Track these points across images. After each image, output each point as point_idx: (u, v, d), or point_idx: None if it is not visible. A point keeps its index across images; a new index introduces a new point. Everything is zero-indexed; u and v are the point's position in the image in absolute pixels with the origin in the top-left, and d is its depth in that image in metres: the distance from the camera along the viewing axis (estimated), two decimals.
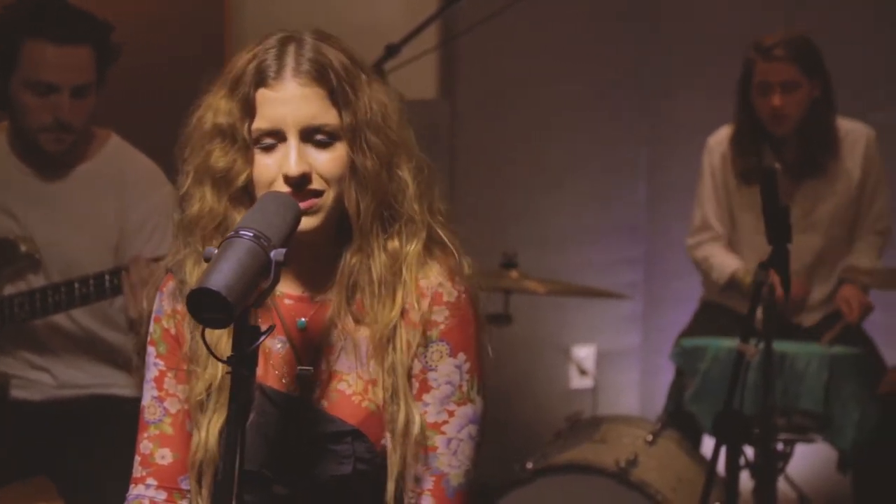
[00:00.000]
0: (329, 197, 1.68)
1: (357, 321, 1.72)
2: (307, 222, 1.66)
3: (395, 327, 1.70)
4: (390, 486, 1.69)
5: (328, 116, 1.67)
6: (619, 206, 4.47)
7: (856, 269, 3.48)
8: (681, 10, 4.45)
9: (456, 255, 1.74)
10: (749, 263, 3.58)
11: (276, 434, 1.71)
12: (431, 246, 1.74)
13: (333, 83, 1.67)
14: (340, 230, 1.72)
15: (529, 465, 2.96)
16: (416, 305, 1.70)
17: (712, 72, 4.29)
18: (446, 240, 1.74)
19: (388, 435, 1.70)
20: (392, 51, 3.19)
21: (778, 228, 2.57)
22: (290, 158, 1.66)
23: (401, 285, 1.70)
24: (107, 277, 2.60)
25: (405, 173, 1.71)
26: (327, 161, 1.67)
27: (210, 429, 1.70)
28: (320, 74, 1.67)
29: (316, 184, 1.67)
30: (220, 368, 1.70)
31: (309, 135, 1.67)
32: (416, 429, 1.69)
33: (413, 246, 1.71)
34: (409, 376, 1.71)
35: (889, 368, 2.83)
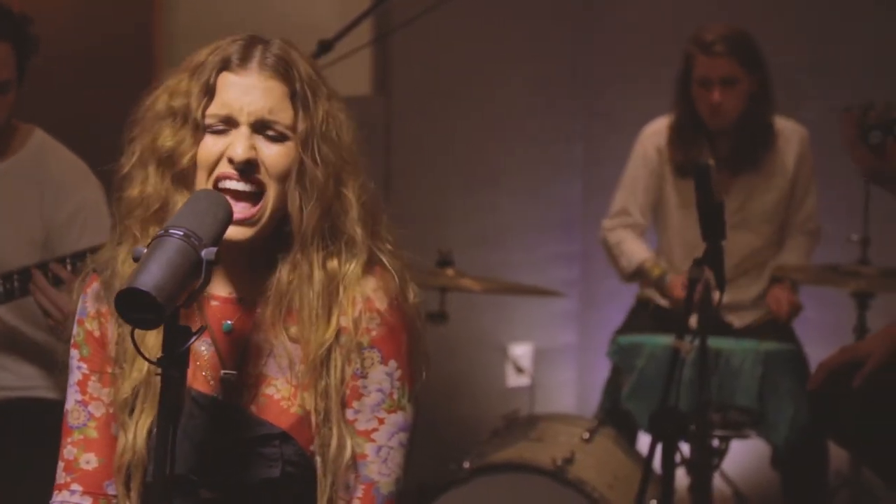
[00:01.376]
0: (269, 200, 1.67)
1: (287, 330, 1.71)
2: (242, 232, 1.66)
3: (329, 350, 1.69)
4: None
5: (284, 115, 1.68)
6: (555, 203, 4.49)
7: (787, 268, 3.54)
8: (616, 6, 4.48)
9: (396, 281, 1.73)
10: (679, 256, 3.62)
11: (202, 437, 1.70)
12: (372, 266, 1.73)
13: (296, 84, 1.68)
14: (278, 237, 1.71)
15: (466, 465, 2.97)
16: (348, 313, 1.70)
17: (648, 68, 4.33)
18: (389, 266, 1.74)
19: (318, 459, 1.69)
20: (325, 47, 3.18)
21: (712, 225, 2.59)
22: (238, 143, 1.66)
23: (337, 306, 1.70)
24: (32, 273, 2.57)
25: (350, 193, 1.71)
26: (275, 155, 1.67)
27: (137, 430, 1.69)
28: (285, 71, 1.68)
29: (262, 174, 1.66)
30: (147, 368, 1.68)
31: (261, 128, 1.67)
32: (347, 454, 1.68)
33: (352, 267, 1.71)
34: (343, 403, 1.70)
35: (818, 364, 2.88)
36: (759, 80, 3.56)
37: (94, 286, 1.75)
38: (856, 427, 2.67)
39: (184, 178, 1.70)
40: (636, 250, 3.62)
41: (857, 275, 3.16)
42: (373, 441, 1.71)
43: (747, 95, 3.55)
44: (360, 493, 1.70)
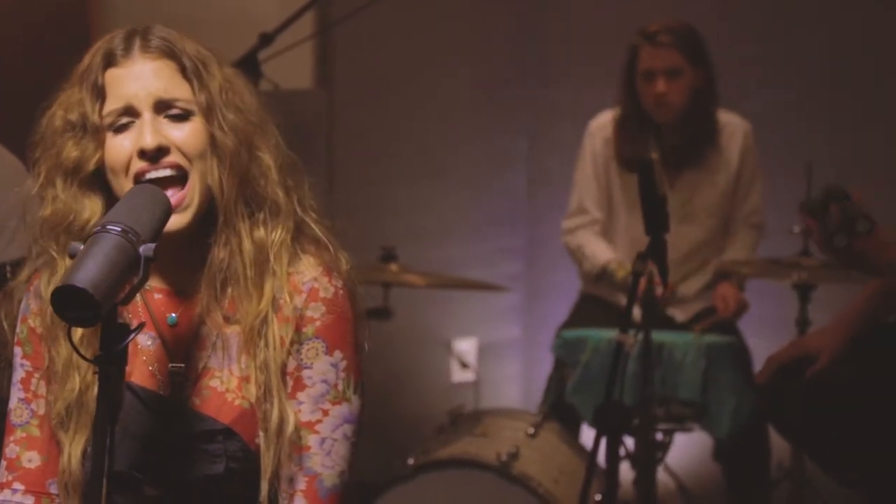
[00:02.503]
0: (194, 182, 1.67)
1: (227, 317, 1.70)
2: (177, 220, 1.65)
3: (265, 321, 1.68)
4: (264, 486, 1.68)
5: (181, 91, 1.68)
6: (499, 197, 4.50)
7: (731, 263, 3.57)
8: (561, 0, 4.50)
9: (331, 249, 1.73)
10: (624, 250, 3.65)
11: (145, 433, 1.69)
12: (302, 240, 1.73)
13: (184, 59, 1.68)
14: (207, 221, 1.70)
15: (411, 461, 2.97)
16: (289, 301, 1.69)
17: (592, 62, 4.35)
18: (320, 235, 1.74)
19: (261, 434, 1.68)
20: (266, 40, 3.16)
21: (656, 219, 2.62)
22: (144, 131, 1.65)
23: (269, 276, 1.69)
24: None
25: (266, 156, 1.71)
26: (184, 135, 1.67)
27: (72, 451, 1.68)
28: (170, 49, 1.69)
29: (175, 156, 1.66)
30: (79, 387, 1.67)
31: (163, 108, 1.67)
32: (289, 428, 1.67)
33: (279, 234, 1.70)
34: (283, 373, 1.69)
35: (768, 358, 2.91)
36: (703, 75, 3.59)
37: (37, 283, 1.74)
38: (803, 421, 2.70)
39: (91, 184, 1.69)
40: (599, 253, 3.63)
41: (799, 267, 3.20)
42: (316, 433, 1.70)
43: (691, 89, 3.58)
44: (302, 486, 1.69)
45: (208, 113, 1.68)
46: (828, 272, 3.20)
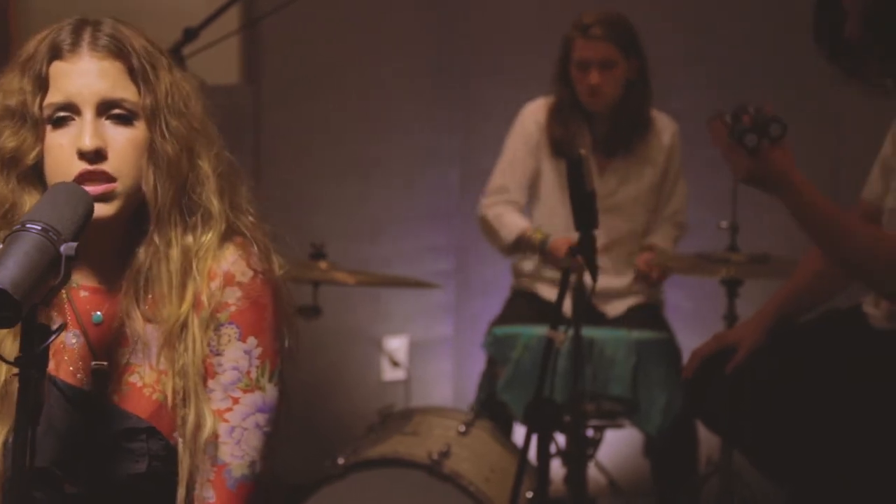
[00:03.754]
0: (126, 181, 1.65)
1: (147, 317, 1.69)
2: (102, 210, 1.63)
3: (185, 325, 1.67)
4: (181, 492, 1.67)
5: (127, 92, 1.66)
6: (430, 193, 4.51)
7: (661, 254, 3.61)
8: None
9: (258, 247, 1.72)
10: (554, 235, 3.68)
11: (67, 430, 1.68)
12: (231, 236, 1.72)
13: (133, 60, 1.66)
14: (138, 220, 1.69)
15: (340, 461, 2.97)
16: (206, 289, 1.68)
17: (522, 57, 4.37)
18: (250, 236, 1.72)
19: (179, 440, 1.67)
20: (190, 34, 3.14)
21: (584, 214, 2.64)
22: (84, 132, 1.63)
23: (191, 280, 1.68)
24: None
25: (205, 164, 1.70)
26: (125, 140, 1.65)
27: None
28: (119, 49, 1.66)
29: (112, 162, 1.64)
30: (5, 374, 1.65)
31: (106, 109, 1.65)
32: (206, 432, 1.66)
33: (206, 239, 1.69)
34: (203, 378, 1.68)
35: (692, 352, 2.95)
36: (636, 67, 3.65)
37: None
38: (727, 414, 2.74)
39: (30, 177, 1.67)
40: (516, 221, 3.66)
41: (727, 261, 3.25)
42: (226, 421, 1.68)
43: (624, 80, 3.64)
44: (211, 476, 1.68)
45: (152, 117, 1.66)
46: (756, 267, 3.25)
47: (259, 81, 4.08)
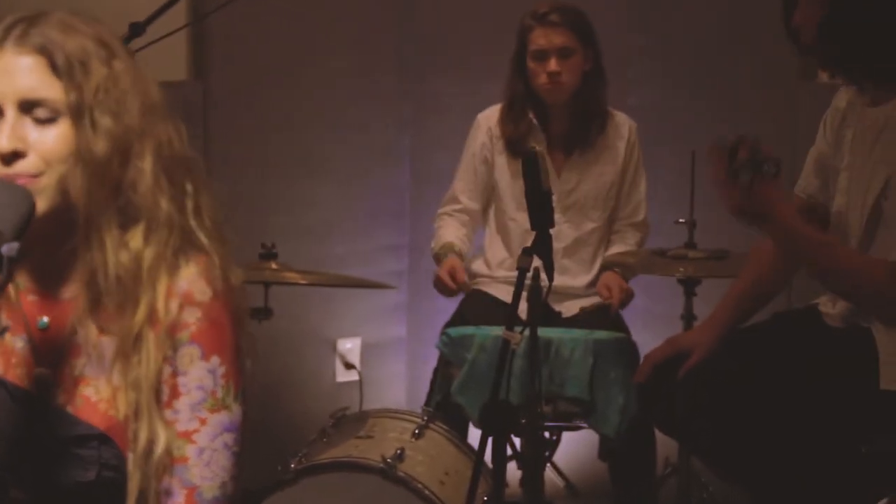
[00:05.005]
0: (47, 179, 1.61)
1: (101, 328, 1.66)
2: None
3: (139, 337, 1.64)
4: None
5: (50, 90, 1.62)
6: (382, 193, 4.50)
7: (618, 255, 3.63)
8: None
9: (217, 262, 1.69)
10: (515, 240, 3.69)
11: (17, 434, 1.65)
12: (187, 249, 1.68)
13: (59, 57, 1.62)
14: (75, 228, 1.65)
15: (293, 465, 2.95)
16: (164, 308, 1.65)
17: (474, 56, 4.37)
18: (207, 246, 1.69)
19: (129, 455, 1.65)
20: (136, 30, 3.10)
21: (540, 213, 2.64)
22: (2, 132, 1.60)
23: (144, 290, 1.64)
24: None
25: (146, 163, 1.65)
26: (46, 140, 1.62)
27: None
28: (44, 45, 1.63)
29: (30, 163, 1.61)
30: None
31: (28, 108, 1.62)
32: (159, 448, 1.63)
33: (156, 246, 1.65)
34: (157, 391, 1.65)
35: (644, 356, 2.96)
36: (592, 57, 3.67)
37: None
38: (684, 418, 2.75)
39: None
40: (446, 234, 3.72)
41: (684, 258, 3.26)
42: (194, 443, 1.66)
43: (581, 71, 3.65)
44: (180, 499, 1.66)
45: (78, 115, 1.62)
46: (714, 264, 3.27)
47: (208, 78, 4.05)
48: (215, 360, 1.68)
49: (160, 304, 1.65)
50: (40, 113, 1.62)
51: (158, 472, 1.65)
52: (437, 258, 3.74)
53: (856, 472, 2.60)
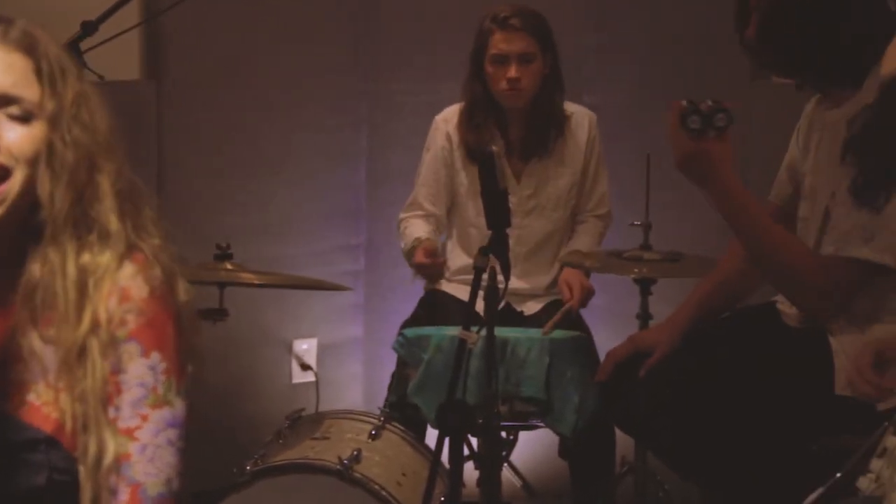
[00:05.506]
0: (16, 180, 1.62)
1: (43, 336, 1.66)
2: None
3: (84, 349, 1.64)
4: None
5: (30, 91, 1.64)
6: (339, 192, 4.49)
7: (578, 254, 3.64)
8: None
9: (159, 269, 1.70)
10: (474, 243, 3.70)
11: None
12: (130, 256, 1.69)
13: (42, 61, 1.65)
14: (31, 230, 1.66)
15: (248, 467, 2.94)
16: (104, 309, 1.65)
17: (431, 55, 4.37)
18: (152, 257, 1.70)
19: (80, 468, 1.64)
20: (88, 28, 3.08)
21: (497, 213, 2.65)
22: None
23: (89, 302, 1.65)
24: None
25: (105, 181, 1.68)
26: (20, 136, 1.63)
27: None
28: (30, 46, 1.65)
29: (2, 158, 1.61)
30: None
31: (4, 104, 1.63)
32: (108, 458, 1.64)
33: (105, 261, 1.66)
34: (104, 403, 1.65)
35: (606, 354, 2.97)
36: (551, 62, 3.67)
37: None
38: (644, 416, 2.77)
39: None
40: (415, 231, 3.70)
41: (640, 260, 3.28)
42: (136, 440, 1.66)
43: (541, 76, 3.65)
44: (125, 497, 1.65)
45: (54, 121, 1.64)
46: (668, 266, 3.29)
47: (161, 77, 4.03)
48: (156, 356, 1.68)
49: (101, 311, 1.65)
50: (14, 110, 1.63)
51: (108, 477, 1.65)
52: (409, 254, 3.68)
53: (808, 471, 2.62)
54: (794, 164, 2.86)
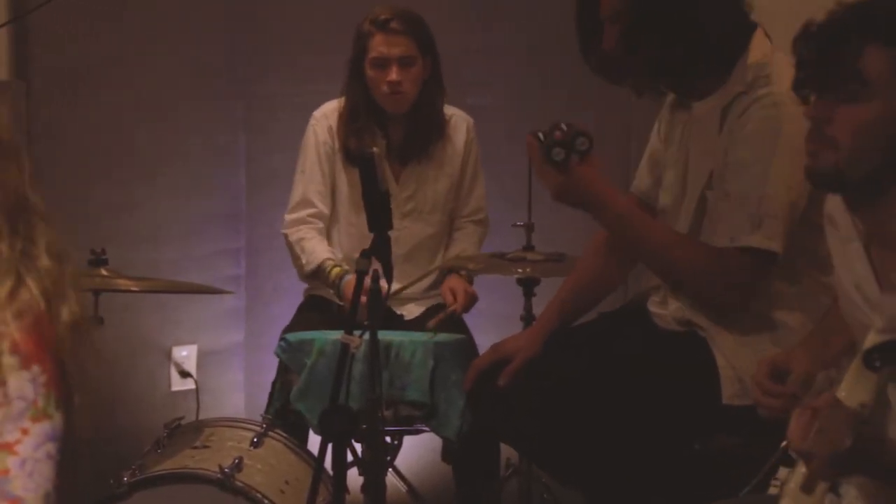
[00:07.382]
0: None
1: None
2: None
3: None
4: None
5: None
6: (218, 195, 4.45)
7: (460, 258, 3.66)
8: None
9: (40, 300, 1.67)
10: (348, 245, 3.69)
11: None
12: (20, 288, 1.66)
13: None
14: None
15: (125, 479, 2.90)
16: None
17: (306, 56, 4.36)
18: (34, 288, 1.67)
19: None
20: None
21: (378, 215, 2.65)
22: None
23: None
24: None
25: None
26: None
27: None
28: None
29: None
30: None
31: None
32: None
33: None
34: None
35: (471, 364, 3.00)
36: (431, 65, 3.67)
37: None
38: (511, 422, 2.79)
39: None
40: (318, 250, 3.66)
41: (523, 260, 3.31)
42: (16, 454, 1.63)
43: (421, 79, 3.65)
44: None
45: None
46: (551, 266, 3.32)
47: (30, 77, 3.95)
48: (35, 368, 1.65)
49: None
50: None
51: None
52: (318, 274, 3.63)
53: (688, 470, 2.67)
54: (656, 156, 2.92)
